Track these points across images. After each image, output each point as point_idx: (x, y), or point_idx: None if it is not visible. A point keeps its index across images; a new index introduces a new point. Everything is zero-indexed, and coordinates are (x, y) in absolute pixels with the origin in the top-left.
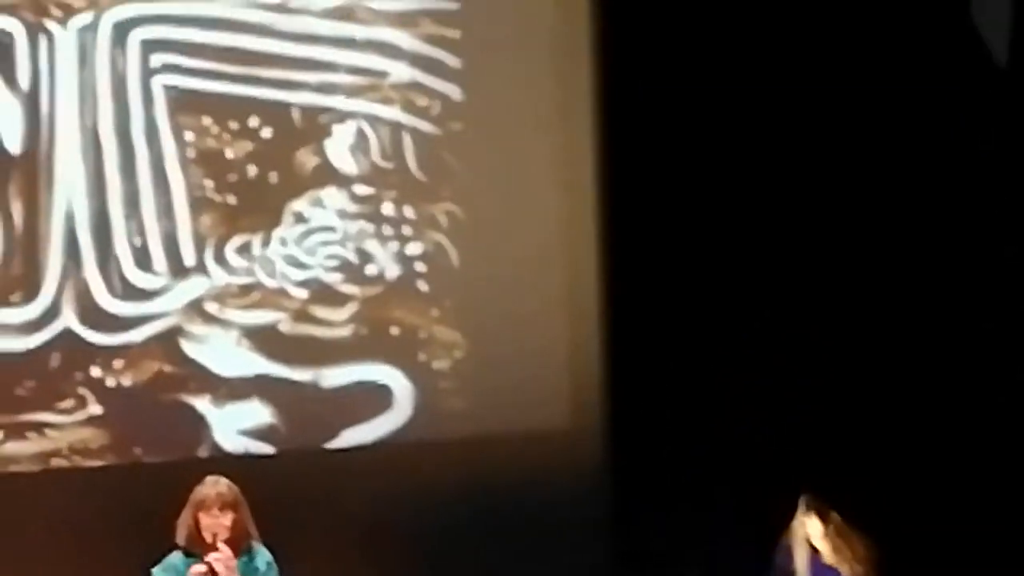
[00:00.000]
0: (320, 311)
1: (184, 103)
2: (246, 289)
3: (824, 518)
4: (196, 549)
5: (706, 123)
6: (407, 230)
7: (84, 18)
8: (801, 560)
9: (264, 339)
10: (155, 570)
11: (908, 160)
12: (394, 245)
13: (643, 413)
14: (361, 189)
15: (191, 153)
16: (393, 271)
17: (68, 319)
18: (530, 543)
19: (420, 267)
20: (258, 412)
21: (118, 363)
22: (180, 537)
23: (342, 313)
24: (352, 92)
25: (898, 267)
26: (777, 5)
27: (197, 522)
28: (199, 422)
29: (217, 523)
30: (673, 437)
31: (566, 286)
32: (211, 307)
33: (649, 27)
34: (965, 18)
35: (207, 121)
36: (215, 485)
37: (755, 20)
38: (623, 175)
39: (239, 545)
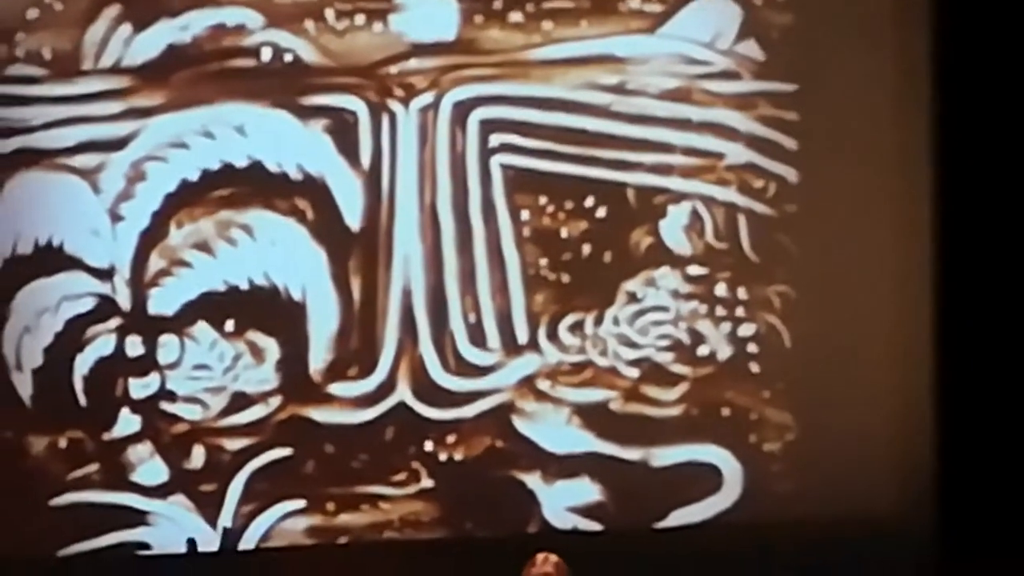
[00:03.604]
0: (651, 391)
1: (521, 182)
2: (578, 367)
3: None
4: None
5: None
6: (740, 311)
7: (425, 98)
8: None
9: (595, 417)
10: None
11: None
12: (726, 326)
13: (976, 500)
14: (694, 270)
15: (526, 232)
16: (725, 352)
17: (403, 393)
18: None
19: (752, 348)
20: (587, 490)
21: (451, 438)
22: None
23: (673, 393)
24: (687, 173)
25: None
26: None
27: None
28: (529, 498)
29: None
30: (1007, 531)
31: (899, 369)
32: (543, 384)
33: (994, 105)
34: None
35: (543, 200)
36: (543, 565)
37: None
38: (961, 260)
39: None
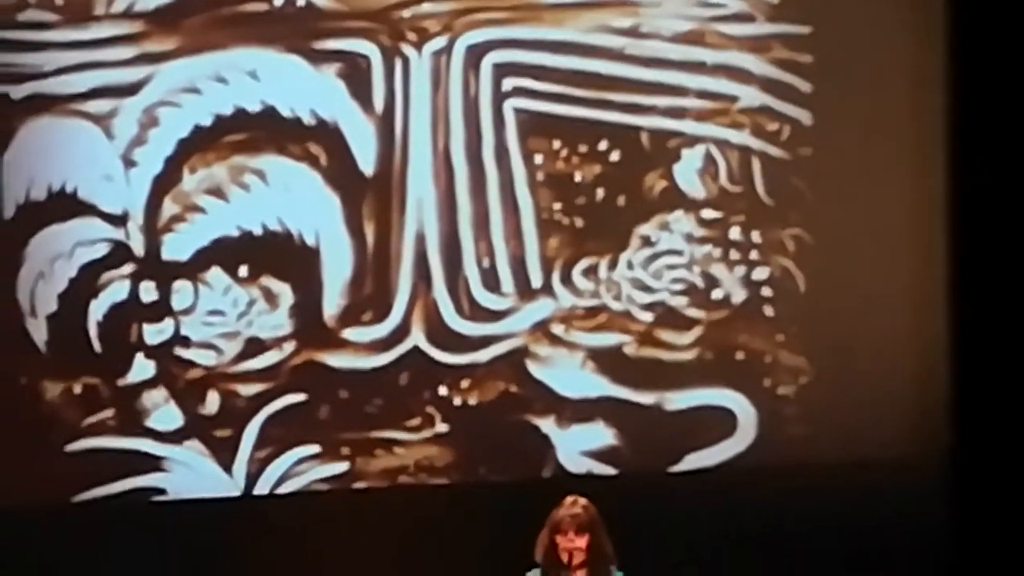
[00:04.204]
0: (665, 334)
1: (534, 126)
2: (592, 311)
3: None
4: (553, 569)
5: None
6: (754, 255)
7: (439, 42)
8: None
9: (609, 361)
10: None
11: None
12: (741, 270)
13: (990, 444)
14: (709, 213)
15: (540, 176)
16: (739, 295)
17: (417, 338)
18: (866, 572)
19: (766, 292)
20: (601, 434)
21: (465, 382)
22: (538, 556)
23: (687, 337)
24: (701, 116)
25: None
26: None
27: (554, 543)
28: (543, 442)
29: (572, 545)
30: (1020, 474)
31: (913, 312)
32: (557, 329)
33: (1009, 53)
34: None
35: (557, 144)
36: (571, 506)
37: None
38: (976, 201)
39: (597, 568)
